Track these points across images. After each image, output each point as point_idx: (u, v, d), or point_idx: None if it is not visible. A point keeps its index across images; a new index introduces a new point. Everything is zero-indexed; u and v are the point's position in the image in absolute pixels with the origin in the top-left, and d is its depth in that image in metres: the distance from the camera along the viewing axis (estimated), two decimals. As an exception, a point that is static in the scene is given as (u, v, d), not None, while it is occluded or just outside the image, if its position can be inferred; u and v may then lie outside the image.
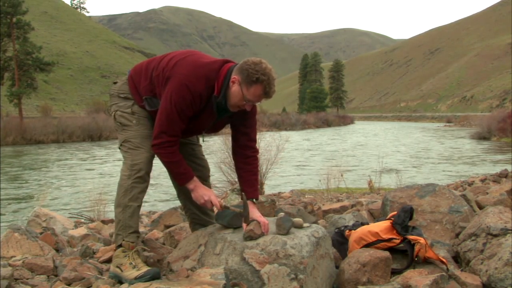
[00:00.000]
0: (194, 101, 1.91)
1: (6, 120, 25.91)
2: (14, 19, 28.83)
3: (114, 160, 14.69)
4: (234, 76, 1.89)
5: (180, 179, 2.01)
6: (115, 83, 2.16)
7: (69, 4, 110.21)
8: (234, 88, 1.89)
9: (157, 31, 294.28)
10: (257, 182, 2.15)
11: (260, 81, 1.85)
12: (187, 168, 2.00)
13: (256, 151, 2.15)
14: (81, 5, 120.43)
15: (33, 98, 39.80)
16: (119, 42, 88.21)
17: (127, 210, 1.95)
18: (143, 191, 1.99)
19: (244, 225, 1.97)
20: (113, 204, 2.04)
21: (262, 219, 1.97)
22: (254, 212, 2.00)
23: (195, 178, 2.01)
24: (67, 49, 70.37)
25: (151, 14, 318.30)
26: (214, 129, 2.13)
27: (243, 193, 2.04)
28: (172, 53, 2.06)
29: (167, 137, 1.93)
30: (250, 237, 1.90)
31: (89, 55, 72.58)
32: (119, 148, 2.06)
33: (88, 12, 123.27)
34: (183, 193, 2.25)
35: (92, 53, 73.80)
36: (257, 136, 2.28)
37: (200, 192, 1.99)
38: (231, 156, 2.20)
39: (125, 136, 2.03)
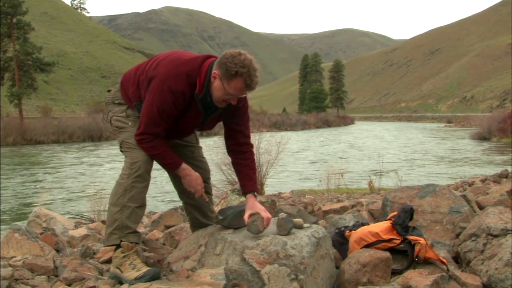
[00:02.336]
0: (177, 100, 1.90)
1: (6, 121, 25.87)
2: (14, 20, 28.76)
3: (114, 161, 14.69)
4: (215, 71, 1.87)
5: (168, 168, 2.03)
6: (108, 91, 2.17)
7: (70, 4, 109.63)
8: (216, 84, 1.87)
9: (157, 31, 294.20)
10: (256, 176, 2.15)
11: (239, 74, 1.82)
12: (173, 157, 1.99)
13: (251, 145, 2.15)
14: (81, 6, 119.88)
15: (33, 99, 39.59)
16: (119, 42, 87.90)
17: (125, 210, 1.92)
18: (143, 191, 1.96)
19: (246, 217, 1.96)
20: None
21: (265, 214, 1.97)
22: (257, 206, 1.99)
23: (183, 166, 2.00)
24: (67, 50, 70.05)
25: (151, 15, 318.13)
26: (206, 127, 2.11)
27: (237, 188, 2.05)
28: (157, 55, 2.06)
29: (147, 135, 1.94)
30: (252, 230, 1.91)
31: (89, 56, 72.28)
32: (121, 151, 2.05)
33: (88, 12, 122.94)
34: (185, 196, 2.24)
35: (92, 54, 73.50)
36: (258, 137, 2.28)
37: (188, 182, 2.02)
38: (226, 153, 2.20)
39: (122, 137, 2.03)
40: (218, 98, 1.90)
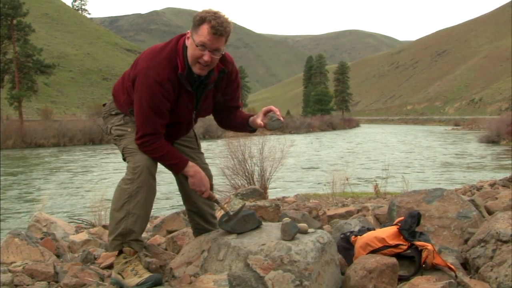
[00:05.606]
0: (166, 90, 1.86)
1: (6, 123, 26.02)
2: (15, 21, 28.83)
3: (115, 164, 14.70)
4: (187, 32, 1.88)
5: (175, 169, 1.99)
6: (104, 105, 2.16)
7: (70, 5, 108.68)
8: (189, 43, 1.85)
9: (159, 33, 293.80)
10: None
11: (204, 19, 1.78)
12: (179, 156, 1.96)
13: None
14: (83, 7, 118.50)
15: (34, 101, 39.33)
16: (120, 44, 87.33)
17: (130, 217, 1.87)
18: (149, 197, 1.90)
19: (260, 118, 1.97)
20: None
21: (275, 108, 2.00)
22: (259, 114, 2.01)
23: (190, 163, 1.97)
24: (68, 51, 69.60)
25: (153, 16, 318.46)
26: (203, 111, 2.06)
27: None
28: (136, 58, 2.05)
29: (149, 136, 1.90)
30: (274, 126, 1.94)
31: (90, 57, 71.80)
32: (124, 160, 2.01)
33: (89, 14, 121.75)
34: (189, 203, 2.21)
35: (94, 55, 72.98)
36: (261, 140, 2.26)
37: (198, 181, 1.97)
38: (217, 125, 2.21)
39: (124, 144, 2.00)
40: (192, 57, 1.83)
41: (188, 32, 1.87)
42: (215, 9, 1.83)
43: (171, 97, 1.89)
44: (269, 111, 1.98)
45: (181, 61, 1.86)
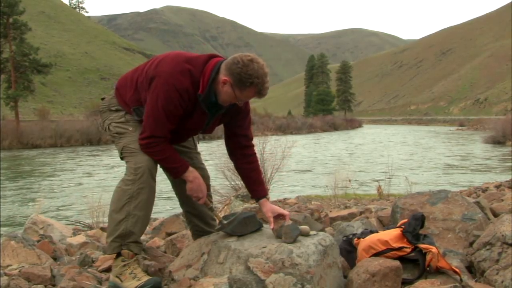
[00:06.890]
0: (182, 98, 1.85)
1: (2, 124, 25.61)
2: (11, 20, 28.39)
3: (114, 165, 14.68)
4: (225, 78, 1.84)
5: (175, 173, 1.97)
6: (102, 99, 2.13)
7: (68, 4, 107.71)
8: (226, 89, 1.85)
9: (158, 31, 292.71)
10: (262, 178, 2.16)
11: (254, 84, 1.83)
12: (180, 160, 1.95)
13: (253, 146, 2.15)
14: (80, 5, 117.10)
15: (30, 101, 39.03)
16: (119, 43, 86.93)
17: (130, 219, 1.85)
18: (150, 198, 1.89)
19: (271, 221, 1.97)
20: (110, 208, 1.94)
21: (286, 212, 2.01)
22: (275, 208, 2.02)
23: (190, 168, 1.96)
24: (65, 50, 69.12)
25: (152, 14, 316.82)
26: (209, 129, 2.07)
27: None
28: (155, 56, 2.03)
29: (155, 138, 1.89)
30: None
31: (88, 57, 71.30)
32: (121, 158, 1.99)
33: (87, 12, 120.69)
34: (187, 206, 2.19)
35: (91, 54, 72.46)
36: (262, 141, 2.25)
37: (196, 187, 1.96)
38: (229, 157, 2.19)
39: (124, 142, 1.97)
40: (226, 101, 1.89)
41: (225, 78, 1.83)
42: (259, 64, 1.82)
43: (185, 105, 1.89)
44: (287, 219, 1.98)
45: (204, 84, 1.86)
